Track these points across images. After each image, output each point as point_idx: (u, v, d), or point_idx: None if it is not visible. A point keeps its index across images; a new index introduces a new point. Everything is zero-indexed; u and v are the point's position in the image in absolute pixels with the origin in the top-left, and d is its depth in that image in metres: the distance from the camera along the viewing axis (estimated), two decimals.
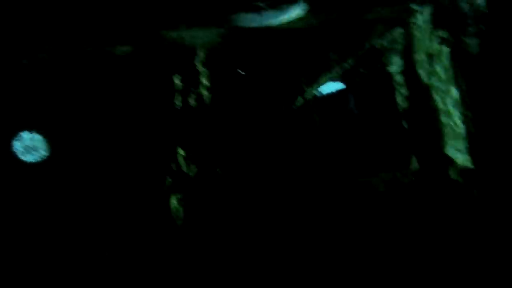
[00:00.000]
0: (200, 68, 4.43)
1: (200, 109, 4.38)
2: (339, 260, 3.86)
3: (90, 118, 4.49)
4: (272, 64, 4.70)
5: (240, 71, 4.63)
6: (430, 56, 3.98)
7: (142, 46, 4.15)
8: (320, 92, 4.83)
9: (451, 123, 3.91)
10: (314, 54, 4.73)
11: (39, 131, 4.36)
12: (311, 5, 3.80)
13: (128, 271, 3.92)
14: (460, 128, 3.81)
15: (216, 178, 4.26)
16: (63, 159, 4.40)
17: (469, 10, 3.76)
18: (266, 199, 4.20)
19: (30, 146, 4.31)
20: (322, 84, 4.53)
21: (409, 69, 4.24)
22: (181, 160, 4.31)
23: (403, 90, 4.29)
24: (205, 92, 4.40)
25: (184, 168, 4.29)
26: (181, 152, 4.31)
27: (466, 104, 3.78)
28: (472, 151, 3.76)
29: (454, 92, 3.81)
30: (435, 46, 3.90)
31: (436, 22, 3.88)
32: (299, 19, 3.90)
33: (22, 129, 4.32)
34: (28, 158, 4.31)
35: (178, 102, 4.41)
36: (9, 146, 4.28)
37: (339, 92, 4.92)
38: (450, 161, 3.98)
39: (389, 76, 4.38)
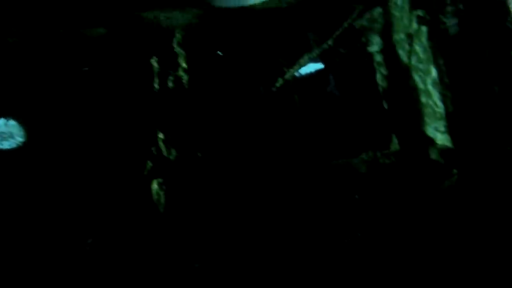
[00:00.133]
0: (178, 50, 4.35)
1: (179, 91, 4.32)
2: (320, 241, 3.89)
3: (67, 103, 4.42)
4: (250, 45, 4.64)
5: (218, 52, 4.56)
6: (409, 36, 3.95)
7: (117, 28, 4.05)
8: (300, 73, 4.79)
9: (431, 102, 3.91)
10: (293, 35, 4.67)
11: (14, 117, 4.27)
12: None
13: (110, 257, 3.92)
14: (440, 107, 3.82)
15: (196, 160, 4.24)
16: (41, 145, 4.33)
17: None
18: (248, 180, 4.19)
19: (5, 132, 4.23)
20: (302, 65, 4.48)
21: (389, 49, 4.21)
22: (161, 144, 4.28)
23: (383, 70, 4.26)
24: (183, 74, 4.33)
25: (164, 152, 4.25)
26: (161, 135, 4.26)
27: (445, 84, 3.77)
28: (451, 130, 3.77)
29: (433, 71, 3.80)
30: (414, 25, 3.87)
31: (415, 1, 3.83)
32: None
33: None
34: (4, 145, 4.24)
35: (156, 85, 4.34)
36: None
37: (319, 72, 4.88)
38: (430, 141, 3.99)
39: (369, 56, 4.35)
